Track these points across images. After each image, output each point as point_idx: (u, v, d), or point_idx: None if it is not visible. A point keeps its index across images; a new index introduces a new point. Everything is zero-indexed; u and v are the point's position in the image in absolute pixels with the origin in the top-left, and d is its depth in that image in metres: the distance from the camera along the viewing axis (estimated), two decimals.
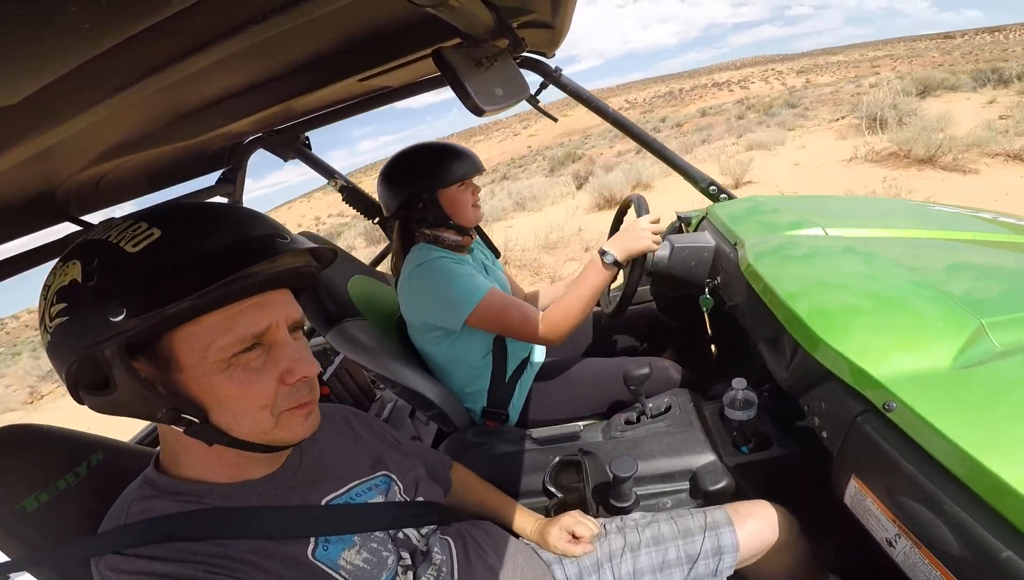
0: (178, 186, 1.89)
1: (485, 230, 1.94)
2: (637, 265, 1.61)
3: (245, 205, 2.26)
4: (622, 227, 1.61)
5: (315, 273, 0.88)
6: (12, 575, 0.89)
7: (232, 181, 2.13)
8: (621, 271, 1.68)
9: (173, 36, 0.57)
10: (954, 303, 1.01)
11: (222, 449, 0.77)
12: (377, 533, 0.91)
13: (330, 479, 0.94)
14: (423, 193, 1.63)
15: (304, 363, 0.79)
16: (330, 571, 0.82)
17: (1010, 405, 0.77)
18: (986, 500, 0.69)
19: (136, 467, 0.87)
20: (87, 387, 0.71)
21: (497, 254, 2.02)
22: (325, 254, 0.87)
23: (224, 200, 2.24)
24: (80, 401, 0.73)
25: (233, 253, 0.70)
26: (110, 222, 0.72)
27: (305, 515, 0.86)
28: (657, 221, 1.61)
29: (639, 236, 1.56)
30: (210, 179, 2.10)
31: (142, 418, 0.73)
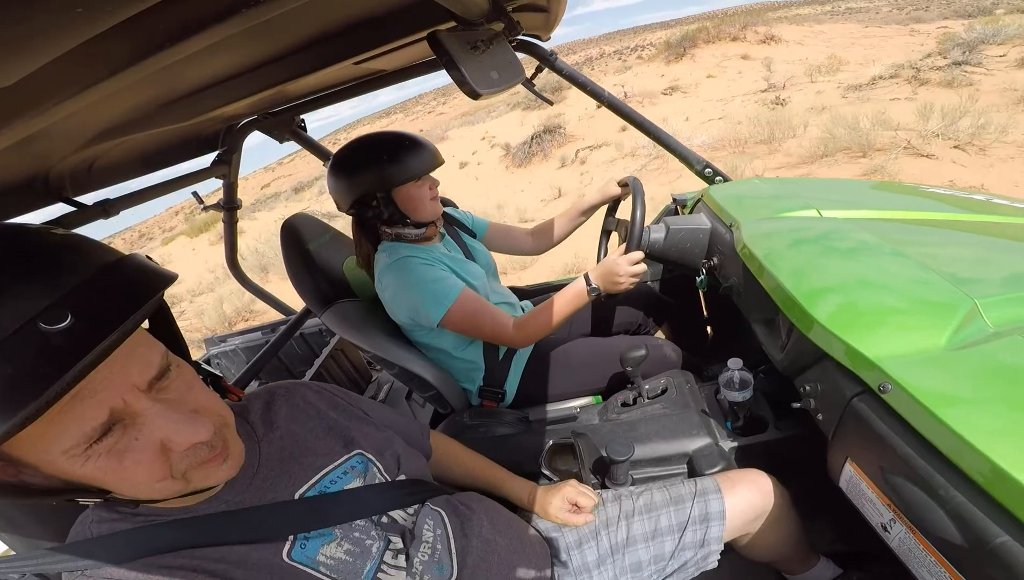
0: (173, 168, 1.87)
1: None
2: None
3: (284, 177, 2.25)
4: (609, 259, 1.58)
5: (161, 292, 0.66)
6: None
7: (227, 163, 2.12)
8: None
9: (166, 20, 0.56)
10: (947, 283, 1.01)
11: None
12: (359, 521, 0.84)
13: (298, 470, 0.84)
14: (376, 192, 1.56)
15: (184, 431, 0.63)
16: (308, 570, 0.76)
17: (1003, 387, 0.77)
18: (981, 484, 0.68)
19: None
20: None
21: (474, 235, 1.99)
22: (168, 278, 0.65)
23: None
24: None
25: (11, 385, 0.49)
26: None
27: (277, 513, 0.77)
28: (642, 259, 1.59)
29: (617, 281, 1.56)
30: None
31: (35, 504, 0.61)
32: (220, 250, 13.82)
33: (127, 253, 0.64)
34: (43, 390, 0.49)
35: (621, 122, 11.38)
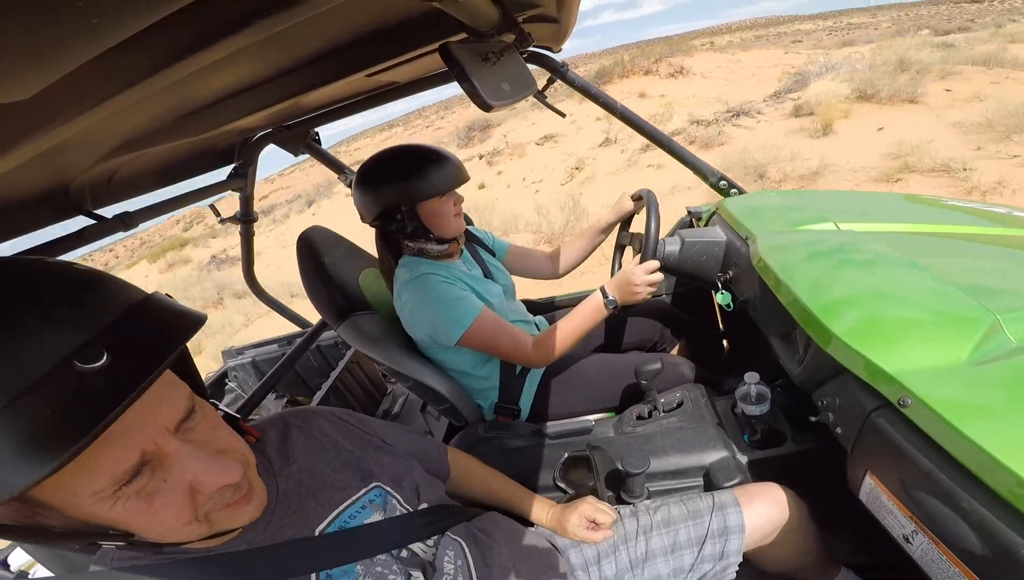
0: (190, 181, 1.90)
1: None
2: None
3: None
4: (625, 269, 1.57)
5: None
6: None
7: (243, 176, 2.14)
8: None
9: (181, 31, 0.57)
10: (968, 298, 0.99)
11: None
12: (380, 556, 0.82)
13: (316, 505, 0.83)
14: (401, 205, 1.56)
15: (214, 472, 0.62)
16: None
17: None
18: (1005, 497, 0.67)
19: None
20: None
21: (493, 253, 1.99)
22: (198, 320, 0.63)
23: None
24: None
25: (48, 417, 0.47)
26: None
27: (298, 551, 0.76)
28: (657, 268, 1.59)
29: (635, 290, 1.56)
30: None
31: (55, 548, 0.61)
32: (167, 278, 14.11)
33: (150, 292, 0.63)
34: (82, 435, 0.47)
35: (473, 184, 10.81)
